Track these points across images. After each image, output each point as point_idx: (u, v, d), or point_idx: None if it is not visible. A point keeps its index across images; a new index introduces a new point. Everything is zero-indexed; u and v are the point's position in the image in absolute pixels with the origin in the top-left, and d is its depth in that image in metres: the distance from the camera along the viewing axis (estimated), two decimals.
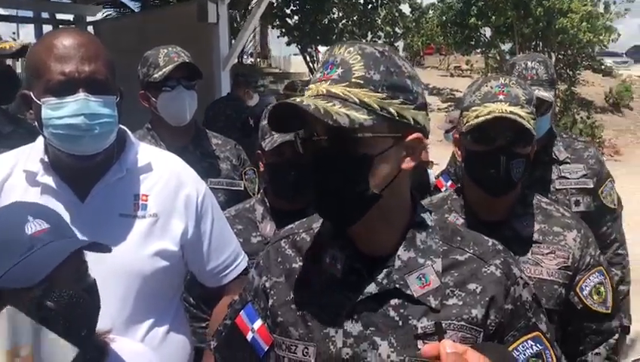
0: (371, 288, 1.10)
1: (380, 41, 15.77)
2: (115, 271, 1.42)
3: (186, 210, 1.59)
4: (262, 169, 2.02)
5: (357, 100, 1.02)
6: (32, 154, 1.53)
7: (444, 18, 19.21)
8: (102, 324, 1.15)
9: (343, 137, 1.02)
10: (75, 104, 1.38)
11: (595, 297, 1.65)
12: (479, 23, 17.39)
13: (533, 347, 1.14)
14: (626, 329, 2.48)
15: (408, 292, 1.09)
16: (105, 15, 13.85)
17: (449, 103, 17.24)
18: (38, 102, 1.40)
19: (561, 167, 2.30)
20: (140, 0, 16.29)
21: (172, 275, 1.61)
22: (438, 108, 16.84)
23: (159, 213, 1.55)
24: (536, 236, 1.66)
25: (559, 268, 1.64)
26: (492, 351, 0.98)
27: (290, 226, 1.28)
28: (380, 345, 1.08)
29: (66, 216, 1.32)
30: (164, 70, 2.37)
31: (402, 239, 1.12)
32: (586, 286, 1.65)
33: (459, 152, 1.73)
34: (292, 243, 1.23)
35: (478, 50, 19.86)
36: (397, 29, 18.84)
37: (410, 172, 1.10)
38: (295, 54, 21.58)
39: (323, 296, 1.13)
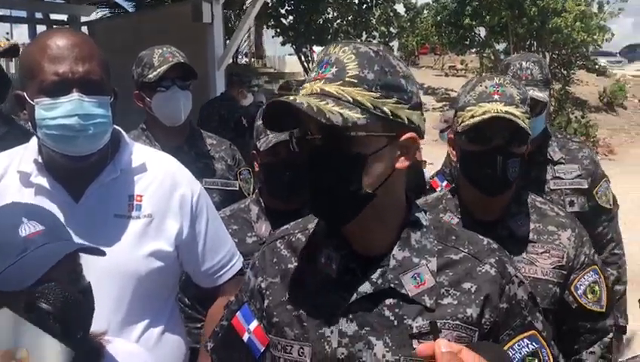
0: (366, 288, 1.10)
1: (374, 41, 15.83)
2: (110, 271, 1.42)
3: (180, 210, 1.59)
4: (257, 169, 2.01)
5: (350, 99, 1.02)
6: (25, 154, 1.52)
7: (438, 18, 19.23)
8: (97, 325, 1.15)
9: (337, 136, 1.02)
10: (69, 104, 1.38)
11: (590, 296, 1.66)
12: (474, 22, 17.41)
13: (529, 346, 1.14)
14: (622, 329, 2.48)
15: (403, 291, 1.09)
16: (99, 15, 13.81)
17: (444, 103, 17.27)
18: (32, 102, 1.40)
19: (555, 168, 2.30)
20: (135, 0, 16.26)
21: (167, 276, 1.60)
22: (433, 108, 16.86)
23: (154, 214, 1.54)
24: (530, 235, 1.67)
25: (554, 268, 1.65)
26: (487, 350, 0.98)
27: (285, 227, 1.28)
28: (375, 344, 1.08)
29: (60, 217, 1.31)
30: (158, 70, 2.37)
31: (397, 238, 1.12)
32: (580, 285, 1.66)
33: (453, 152, 1.73)
34: (287, 243, 1.23)
35: (473, 50, 19.88)
36: (392, 29, 18.82)
37: (405, 171, 1.10)
38: (290, 54, 21.56)
39: (318, 296, 1.13)
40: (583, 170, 2.31)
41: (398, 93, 1.05)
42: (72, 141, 1.40)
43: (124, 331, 1.50)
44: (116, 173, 1.53)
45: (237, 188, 2.54)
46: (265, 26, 19.55)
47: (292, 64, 21.01)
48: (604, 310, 1.68)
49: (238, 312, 1.27)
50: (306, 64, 17.14)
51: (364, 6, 17.33)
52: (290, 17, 17.12)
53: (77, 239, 1.18)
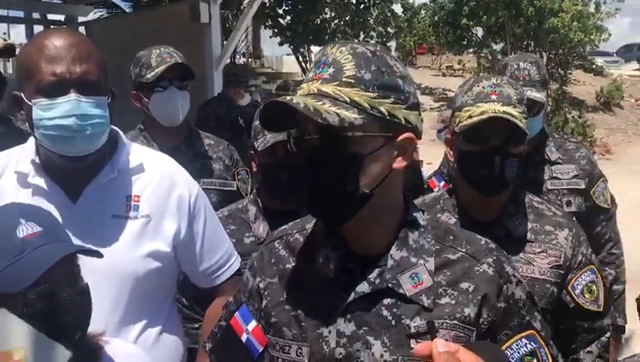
0: (364, 287, 1.10)
1: (372, 41, 15.81)
2: (108, 272, 1.42)
3: (178, 210, 1.59)
4: (255, 169, 2.01)
5: (347, 99, 1.02)
6: (23, 155, 1.52)
7: (436, 18, 19.26)
8: (95, 326, 1.15)
9: (334, 136, 1.02)
10: (66, 105, 1.38)
11: (587, 296, 1.66)
12: (471, 23, 17.44)
13: (528, 345, 1.14)
14: (621, 329, 2.48)
15: (401, 291, 1.09)
16: (97, 15, 13.80)
17: (441, 103, 17.26)
18: (29, 103, 1.39)
19: (552, 168, 2.30)
20: (132, 0, 16.24)
21: (165, 276, 1.60)
22: (431, 108, 16.87)
23: (151, 214, 1.54)
24: (528, 235, 1.67)
25: (551, 267, 1.65)
26: (484, 349, 0.98)
27: (284, 227, 1.28)
28: (373, 344, 1.08)
29: (58, 218, 1.31)
30: (156, 70, 2.36)
31: (395, 238, 1.12)
32: (577, 284, 1.66)
33: (451, 152, 1.73)
34: (286, 243, 1.23)
35: (470, 50, 19.92)
36: (389, 29, 18.85)
37: (402, 172, 1.10)
38: (287, 54, 21.57)
39: (316, 296, 1.13)
40: (580, 170, 2.31)
41: (395, 94, 1.05)
42: (69, 141, 1.40)
43: (121, 331, 1.50)
44: (114, 173, 1.53)
45: (235, 189, 2.54)
46: (262, 26, 19.57)
47: (290, 64, 21.03)
48: (601, 309, 1.68)
49: (237, 313, 1.27)
50: (303, 64, 17.16)
51: (362, 6, 17.35)
52: (288, 17, 17.13)
53: (74, 240, 1.18)
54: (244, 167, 2.63)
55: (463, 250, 1.15)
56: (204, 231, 1.65)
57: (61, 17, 10.16)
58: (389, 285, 1.09)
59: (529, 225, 1.68)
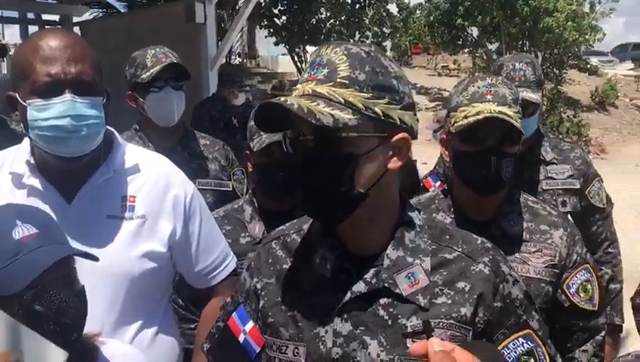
0: (360, 287, 1.10)
1: (367, 41, 15.84)
2: (103, 273, 1.42)
3: (174, 211, 1.58)
4: (250, 169, 2.02)
5: (342, 100, 1.02)
6: (18, 156, 1.52)
7: (431, 18, 19.27)
8: (90, 326, 1.15)
9: (328, 137, 1.02)
10: (61, 105, 1.37)
11: (582, 295, 1.67)
12: (466, 22, 17.46)
13: (524, 344, 1.14)
14: (619, 328, 2.49)
15: (397, 291, 1.10)
16: (91, 15, 13.76)
17: (437, 103, 17.30)
18: (24, 103, 1.39)
19: (548, 168, 2.31)
20: (127, 0, 16.21)
21: (160, 276, 1.60)
22: (426, 108, 16.88)
23: (147, 214, 1.54)
24: (523, 234, 1.68)
25: (546, 266, 1.65)
26: (480, 349, 0.99)
27: (281, 227, 1.28)
28: (370, 344, 1.08)
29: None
30: (151, 71, 2.36)
31: (391, 238, 1.13)
32: (573, 283, 1.67)
33: (446, 153, 1.73)
34: (283, 244, 1.23)
35: (466, 50, 19.93)
36: (385, 29, 18.85)
37: (397, 172, 1.11)
38: (283, 54, 21.55)
39: (313, 296, 1.13)
40: (575, 170, 2.32)
41: (390, 94, 1.05)
42: (64, 142, 1.40)
43: (117, 332, 1.50)
44: (109, 173, 1.52)
45: (230, 189, 2.54)
46: (258, 26, 19.55)
47: (285, 64, 21.00)
48: (596, 308, 1.69)
49: (234, 313, 1.27)
50: (299, 64, 17.14)
51: (357, 6, 17.35)
52: (283, 17, 17.11)
53: (70, 240, 1.18)
54: (239, 168, 2.63)
55: (459, 249, 1.15)
56: (200, 232, 1.64)
57: (56, 17, 10.13)
58: (386, 285, 1.10)
59: (524, 225, 1.69)
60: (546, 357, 1.17)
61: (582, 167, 2.34)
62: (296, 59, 17.43)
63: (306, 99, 1.02)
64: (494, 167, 1.60)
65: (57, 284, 1.06)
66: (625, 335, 2.65)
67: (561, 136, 2.51)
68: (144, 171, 1.58)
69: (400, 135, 1.07)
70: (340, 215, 1.08)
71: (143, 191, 1.56)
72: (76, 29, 9.32)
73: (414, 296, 1.10)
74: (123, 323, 1.52)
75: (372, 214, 1.10)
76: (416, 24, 20.92)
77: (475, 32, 18.40)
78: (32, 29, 10.08)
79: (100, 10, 15.60)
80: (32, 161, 1.49)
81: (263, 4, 16.00)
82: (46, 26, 9.92)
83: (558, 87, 16.69)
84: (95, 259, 1.15)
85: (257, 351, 1.21)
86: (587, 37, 15.97)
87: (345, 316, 1.10)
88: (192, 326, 1.94)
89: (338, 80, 1.03)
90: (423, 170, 3.46)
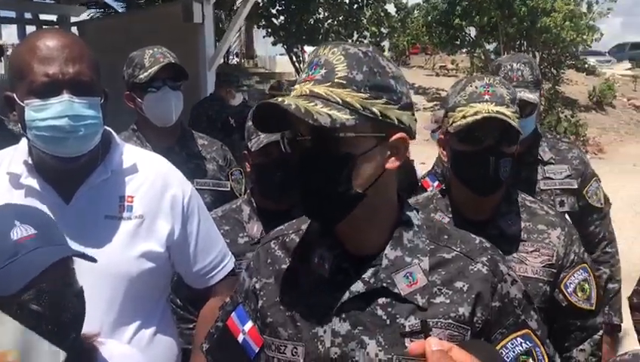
0: (359, 287, 1.10)
1: (365, 41, 15.84)
2: (101, 273, 1.41)
3: (172, 211, 1.58)
4: (248, 169, 2.02)
5: (339, 100, 1.02)
6: (15, 156, 1.51)
7: (429, 18, 19.28)
8: (89, 327, 1.15)
9: (326, 137, 1.02)
10: (59, 105, 1.37)
11: (580, 294, 1.67)
12: (464, 22, 17.48)
13: (523, 344, 1.14)
14: (617, 328, 2.49)
15: (395, 290, 1.10)
16: (89, 15, 13.74)
17: (435, 103, 17.27)
18: (22, 103, 1.39)
19: (545, 168, 2.31)
20: (125, 0, 16.19)
21: (158, 277, 1.60)
22: (424, 108, 16.88)
23: (145, 215, 1.54)
24: (521, 234, 1.68)
25: (544, 266, 1.66)
26: (478, 348, 0.99)
27: (280, 228, 1.29)
28: (368, 344, 1.08)
29: None
30: (149, 71, 2.36)
31: (389, 238, 1.13)
32: (570, 283, 1.67)
33: (444, 153, 1.73)
34: (282, 244, 1.23)
35: (464, 50, 19.95)
36: (382, 29, 18.85)
37: (395, 171, 1.11)
38: (281, 54, 21.55)
39: (311, 295, 1.13)
40: (572, 171, 2.32)
41: (388, 94, 1.05)
42: (62, 142, 1.40)
43: (115, 332, 1.50)
44: (107, 174, 1.52)
45: (228, 189, 2.54)
46: (256, 26, 19.54)
47: (283, 64, 21.00)
48: (593, 308, 1.69)
49: (233, 313, 1.27)
50: (297, 64, 17.14)
51: (355, 6, 17.35)
52: (281, 17, 17.11)
53: (68, 241, 1.18)
54: (237, 168, 2.63)
55: (458, 249, 1.15)
56: (198, 232, 1.64)
57: (53, 17, 10.11)
58: (384, 284, 1.10)
59: (522, 225, 1.69)
60: (545, 357, 1.17)
61: (579, 167, 2.34)
62: (294, 59, 17.43)
63: (304, 100, 1.02)
64: (493, 167, 1.60)
65: (56, 284, 1.05)
66: (622, 334, 2.66)
67: (558, 137, 2.52)
68: (142, 171, 1.58)
69: (398, 135, 1.07)
70: (337, 215, 1.08)
71: (140, 191, 1.56)
72: (74, 29, 9.30)
73: (412, 295, 1.10)
74: (121, 324, 1.52)
75: (370, 214, 1.10)
76: (414, 24, 20.94)
77: (472, 32, 18.42)
78: (30, 29, 10.07)
79: (98, 10, 15.56)
80: (30, 161, 1.49)
81: (260, 4, 15.99)
82: (43, 26, 9.91)
83: (556, 87, 16.71)
84: (93, 260, 1.15)
85: (256, 351, 1.21)
86: (585, 37, 16.00)
87: (343, 316, 1.10)
88: (191, 326, 1.94)
89: (336, 80, 1.03)
90: (421, 170, 3.46)
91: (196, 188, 1.74)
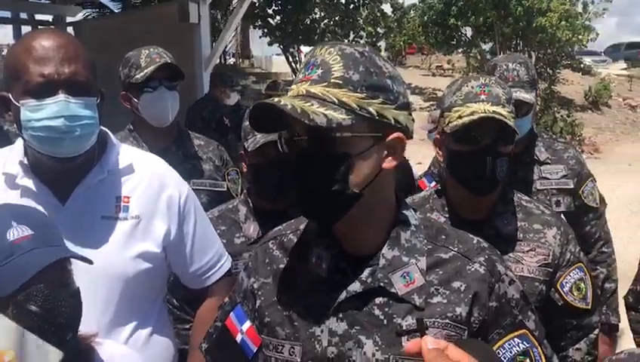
0: (356, 287, 1.10)
1: (362, 41, 15.84)
2: (98, 273, 1.40)
3: (168, 211, 1.58)
4: (245, 169, 2.01)
5: (335, 100, 1.02)
6: (11, 156, 1.51)
7: (425, 18, 19.30)
8: (85, 327, 1.15)
9: (322, 137, 1.02)
10: (54, 106, 1.37)
11: (576, 293, 1.67)
12: (459, 22, 17.50)
13: (520, 345, 1.14)
14: (615, 327, 2.49)
15: (393, 290, 1.10)
16: (85, 16, 13.71)
17: (431, 102, 17.31)
18: (17, 104, 1.38)
19: (541, 168, 2.32)
20: (121, 0, 16.16)
21: (155, 277, 1.60)
22: (420, 108, 16.89)
23: (141, 215, 1.54)
24: (517, 234, 1.68)
25: (540, 266, 1.66)
26: (474, 347, 0.99)
27: (278, 228, 1.29)
28: (365, 343, 1.09)
29: None
30: (145, 71, 2.36)
31: (387, 238, 1.13)
32: (566, 282, 1.67)
33: (440, 153, 1.73)
34: (280, 244, 1.24)
35: (460, 50, 19.97)
36: (379, 29, 18.88)
37: (392, 171, 1.11)
38: (277, 54, 21.53)
39: (309, 295, 1.13)
40: (568, 170, 2.33)
41: (384, 94, 1.06)
42: (58, 143, 1.39)
43: (112, 333, 1.49)
44: (103, 174, 1.52)
45: (225, 189, 2.54)
46: (252, 26, 19.52)
47: (279, 64, 20.99)
48: (589, 307, 1.69)
49: (232, 313, 1.27)
50: (293, 64, 17.14)
51: (352, 6, 17.36)
52: (278, 17, 17.10)
53: (66, 247, 1.17)
54: (234, 168, 2.63)
55: (455, 249, 1.15)
56: (195, 232, 1.64)
57: (49, 17, 10.09)
58: (381, 284, 1.10)
59: (518, 224, 1.69)
60: (542, 357, 1.17)
61: (575, 167, 2.35)
62: (290, 59, 17.42)
63: (300, 100, 1.02)
64: (489, 167, 1.60)
65: (52, 285, 1.05)
66: (619, 334, 2.66)
67: (554, 136, 2.52)
68: (138, 172, 1.58)
69: (395, 135, 1.07)
70: (334, 214, 1.08)
71: (137, 191, 1.55)
72: (69, 29, 9.28)
73: (410, 295, 1.10)
74: (118, 324, 1.52)
75: (367, 214, 1.10)
76: (411, 24, 20.96)
77: (468, 32, 18.45)
78: (25, 29, 10.04)
79: (94, 10, 15.53)
80: (26, 162, 1.48)
81: (257, 4, 15.99)
82: (39, 26, 9.88)
83: (552, 86, 16.74)
84: (89, 262, 1.14)
85: (254, 351, 1.21)
86: (580, 37, 16.03)
87: (340, 315, 1.10)
88: (187, 326, 1.93)
89: (332, 80, 1.03)
90: (417, 169, 3.47)
91: (193, 189, 1.74)
